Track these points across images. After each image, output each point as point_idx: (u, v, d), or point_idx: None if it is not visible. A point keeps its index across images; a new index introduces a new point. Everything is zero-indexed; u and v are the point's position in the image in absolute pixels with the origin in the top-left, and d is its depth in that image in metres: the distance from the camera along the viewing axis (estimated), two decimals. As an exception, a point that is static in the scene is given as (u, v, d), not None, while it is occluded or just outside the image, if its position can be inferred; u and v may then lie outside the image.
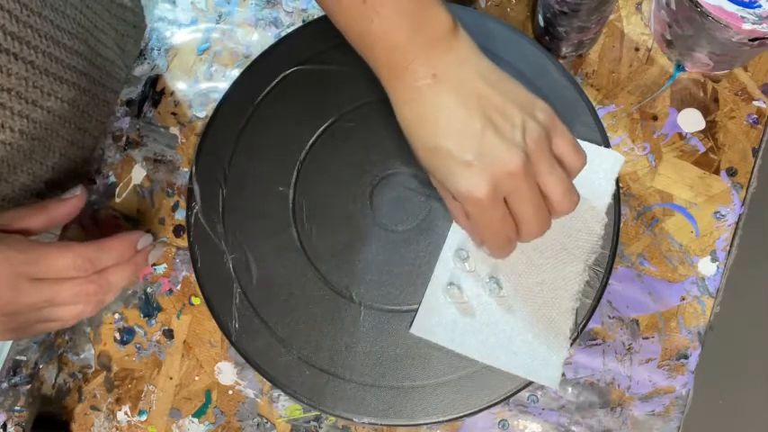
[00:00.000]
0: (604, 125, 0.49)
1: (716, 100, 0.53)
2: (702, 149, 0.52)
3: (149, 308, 0.54)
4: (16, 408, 0.53)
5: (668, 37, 0.52)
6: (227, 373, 0.52)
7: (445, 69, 0.39)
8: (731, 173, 0.52)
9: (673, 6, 0.49)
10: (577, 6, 0.47)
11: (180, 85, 0.57)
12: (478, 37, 0.51)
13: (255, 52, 0.56)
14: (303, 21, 0.57)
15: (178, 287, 0.54)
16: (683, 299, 0.51)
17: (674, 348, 0.50)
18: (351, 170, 0.50)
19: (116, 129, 0.57)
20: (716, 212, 0.51)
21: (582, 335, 0.48)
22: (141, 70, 0.58)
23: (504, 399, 0.46)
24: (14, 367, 0.54)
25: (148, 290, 0.54)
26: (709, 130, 0.53)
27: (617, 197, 0.48)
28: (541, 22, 0.52)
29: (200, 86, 0.57)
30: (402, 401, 0.46)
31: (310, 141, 0.51)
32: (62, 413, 0.53)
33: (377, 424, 0.47)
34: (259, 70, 0.53)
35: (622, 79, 0.54)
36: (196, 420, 0.52)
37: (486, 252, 0.47)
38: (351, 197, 0.50)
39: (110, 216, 0.55)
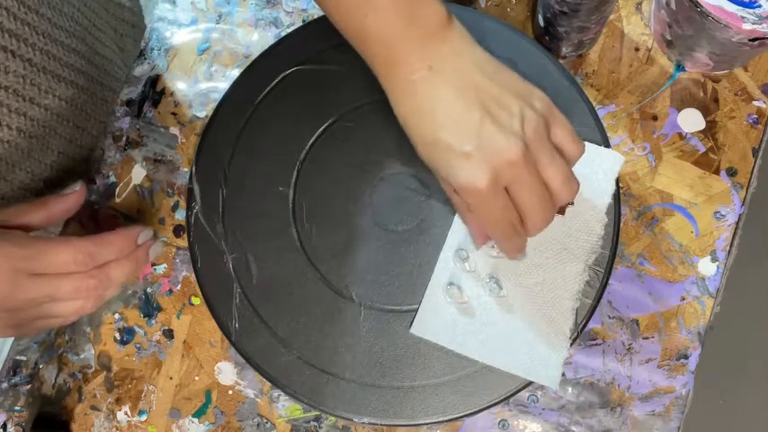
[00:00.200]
0: (604, 125, 0.49)
1: (716, 100, 0.53)
2: (702, 149, 0.52)
3: (149, 308, 0.54)
4: (16, 408, 0.53)
5: (668, 37, 0.52)
6: (227, 373, 0.52)
7: (441, 61, 0.39)
8: (731, 173, 0.52)
9: (673, 6, 0.49)
10: (577, 6, 0.47)
11: (180, 85, 0.57)
12: (479, 37, 0.51)
13: (255, 52, 0.56)
14: (303, 21, 0.57)
15: (178, 287, 0.54)
16: (683, 299, 0.51)
17: (674, 348, 0.50)
18: (351, 170, 0.50)
19: (116, 129, 0.57)
20: (716, 212, 0.51)
21: (582, 335, 0.48)
22: (141, 70, 0.58)
23: (504, 399, 0.46)
24: (14, 367, 0.54)
25: (148, 290, 0.54)
26: (709, 130, 0.53)
27: (617, 197, 0.48)
28: (541, 22, 0.52)
29: (200, 86, 0.57)
30: (402, 401, 0.46)
31: (310, 141, 0.51)
32: (62, 413, 0.53)
33: (377, 424, 0.47)
34: (259, 70, 0.53)
35: (622, 79, 0.54)
36: (196, 420, 0.52)
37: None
38: (351, 197, 0.50)
39: (109, 216, 0.55)
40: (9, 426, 0.53)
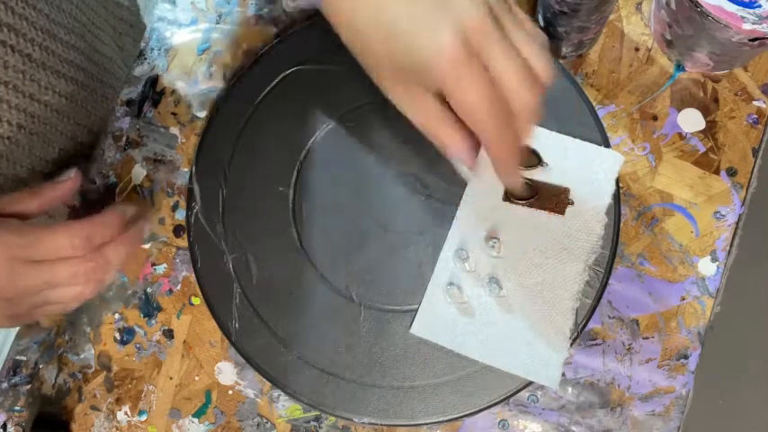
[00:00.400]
0: (604, 125, 0.49)
1: (716, 100, 0.53)
2: (702, 149, 0.52)
3: (149, 308, 0.54)
4: (16, 408, 0.53)
5: (668, 37, 0.52)
6: (227, 373, 0.52)
7: None
8: (731, 173, 0.52)
9: (673, 6, 0.49)
10: (577, 6, 0.47)
11: (180, 85, 0.57)
12: (478, 37, 0.51)
13: (255, 52, 0.56)
14: (303, 21, 0.57)
15: (178, 287, 0.54)
16: (683, 299, 0.51)
17: (674, 348, 0.50)
18: (351, 170, 0.50)
19: (116, 129, 0.57)
20: (716, 212, 0.51)
21: (582, 335, 0.48)
22: (141, 70, 0.58)
23: (504, 399, 0.46)
24: (14, 367, 0.54)
25: (148, 290, 0.54)
26: (709, 130, 0.53)
27: (617, 197, 0.48)
28: (541, 22, 0.52)
29: (200, 86, 0.57)
30: (402, 401, 0.46)
31: (310, 141, 0.51)
32: (62, 413, 0.53)
33: (377, 424, 0.47)
34: (259, 70, 0.53)
35: (622, 79, 0.54)
36: (196, 420, 0.52)
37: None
38: (351, 197, 0.50)
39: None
40: (9, 426, 0.53)
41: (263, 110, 0.52)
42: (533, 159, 0.48)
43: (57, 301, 0.43)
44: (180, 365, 0.53)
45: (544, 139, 0.49)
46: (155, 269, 0.54)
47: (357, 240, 0.49)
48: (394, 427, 0.49)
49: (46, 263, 0.41)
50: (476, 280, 0.47)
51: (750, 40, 0.46)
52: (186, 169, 0.56)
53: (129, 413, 0.53)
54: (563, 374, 0.50)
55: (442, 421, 0.46)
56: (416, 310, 0.47)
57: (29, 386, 0.54)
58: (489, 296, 0.47)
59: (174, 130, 0.57)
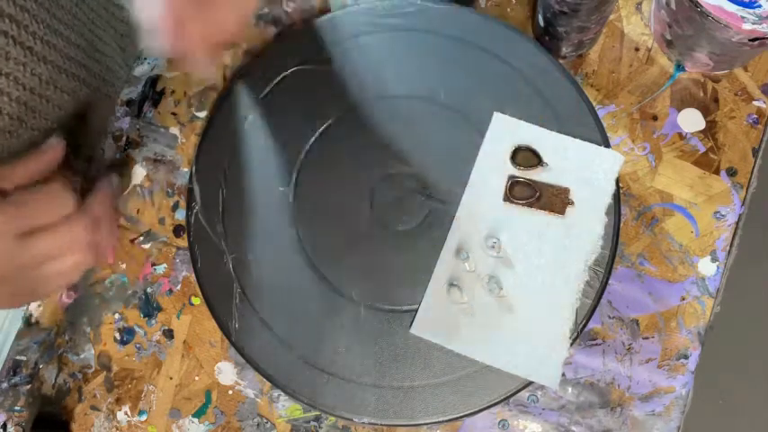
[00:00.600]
0: (604, 125, 0.49)
1: (716, 100, 0.53)
2: (702, 149, 0.52)
3: (149, 308, 0.54)
4: (16, 408, 0.53)
5: (668, 37, 0.52)
6: (227, 373, 0.52)
7: None
8: (731, 173, 0.52)
9: (673, 6, 0.49)
10: (577, 6, 0.47)
11: (180, 85, 0.57)
12: (479, 37, 0.52)
13: (255, 52, 0.56)
14: (303, 21, 0.57)
15: (178, 287, 0.54)
16: (683, 299, 0.51)
17: (674, 348, 0.50)
18: (351, 170, 0.50)
19: (116, 129, 0.57)
20: (716, 212, 0.51)
21: (582, 335, 0.48)
22: (141, 70, 0.58)
23: (504, 399, 0.46)
24: (14, 367, 0.54)
25: (148, 290, 0.54)
26: (709, 130, 0.53)
27: (617, 197, 0.48)
28: (541, 22, 0.52)
29: (200, 86, 0.57)
30: (402, 401, 0.46)
31: (310, 141, 0.51)
32: (62, 413, 0.53)
33: (377, 424, 0.47)
34: (259, 70, 0.53)
35: (622, 79, 0.54)
36: (196, 420, 0.52)
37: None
38: (351, 197, 0.50)
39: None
40: (9, 426, 0.53)
41: (264, 110, 0.52)
42: (533, 159, 0.48)
43: (57, 272, 0.42)
44: (180, 365, 0.53)
45: (544, 139, 0.49)
46: (155, 269, 0.54)
47: (357, 240, 0.49)
48: (394, 427, 0.49)
49: (36, 235, 0.41)
50: (476, 280, 0.47)
51: (750, 40, 0.46)
52: (186, 169, 0.56)
53: (129, 413, 0.53)
54: (563, 374, 0.50)
55: (442, 421, 0.46)
56: (416, 310, 0.47)
57: (29, 386, 0.54)
58: (489, 296, 0.47)
59: (174, 130, 0.57)
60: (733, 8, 0.45)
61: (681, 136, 0.53)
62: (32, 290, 0.42)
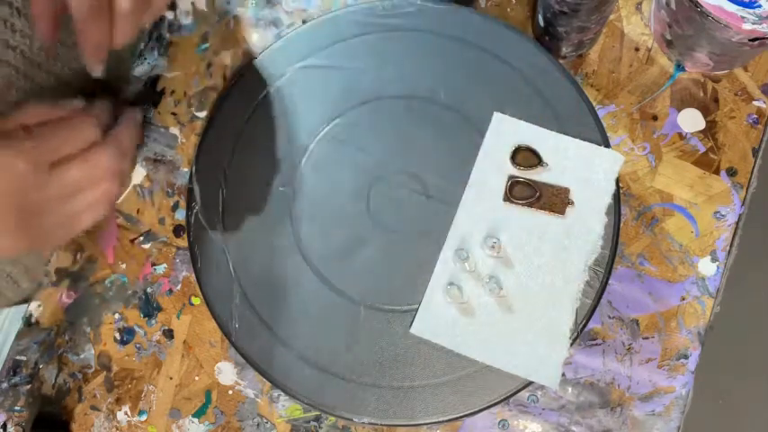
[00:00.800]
0: (604, 125, 0.49)
1: (716, 100, 0.53)
2: (702, 149, 0.52)
3: (149, 308, 0.54)
4: (16, 408, 0.54)
5: (668, 37, 0.52)
6: (227, 373, 0.52)
7: None
8: (731, 173, 0.52)
9: (673, 6, 0.49)
10: (577, 6, 0.47)
11: (180, 85, 0.57)
12: (479, 37, 0.52)
13: (255, 52, 0.56)
14: (303, 21, 0.57)
15: (178, 287, 0.54)
16: (683, 299, 0.51)
17: (674, 348, 0.50)
18: (351, 170, 0.50)
19: (116, 129, 0.57)
20: (716, 212, 0.51)
21: (582, 335, 0.48)
22: (141, 70, 0.58)
23: (504, 399, 0.46)
24: (14, 367, 0.54)
25: (148, 290, 0.54)
26: (709, 130, 0.53)
27: (617, 197, 0.48)
28: (541, 22, 0.52)
29: (200, 86, 0.57)
30: (402, 401, 0.46)
31: (310, 141, 0.51)
32: (62, 413, 0.53)
33: (377, 424, 0.47)
34: (259, 70, 0.53)
35: (622, 79, 0.54)
36: (196, 420, 0.52)
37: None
38: (351, 197, 0.50)
39: (110, 216, 0.55)
40: (9, 426, 0.53)
41: (263, 110, 0.52)
42: (533, 159, 0.48)
43: (87, 206, 0.43)
44: (180, 365, 0.53)
45: (544, 139, 0.49)
46: (155, 269, 0.54)
47: (357, 240, 0.49)
48: (394, 427, 0.49)
49: (64, 164, 0.41)
50: (476, 280, 0.47)
51: (750, 40, 0.46)
52: (186, 169, 0.56)
53: (129, 413, 0.53)
54: (563, 374, 0.50)
55: (442, 421, 0.46)
56: (416, 310, 0.47)
57: (29, 386, 0.54)
58: (489, 296, 0.47)
59: (174, 130, 0.57)
60: (733, 8, 0.45)
61: (681, 136, 0.53)
62: (66, 225, 0.42)
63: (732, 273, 0.52)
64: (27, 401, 0.53)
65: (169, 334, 0.53)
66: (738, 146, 0.52)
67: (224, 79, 0.57)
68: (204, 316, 0.53)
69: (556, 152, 0.48)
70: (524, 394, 0.50)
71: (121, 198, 0.56)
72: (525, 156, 0.49)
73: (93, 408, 0.53)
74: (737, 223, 0.51)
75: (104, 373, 0.53)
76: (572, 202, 0.47)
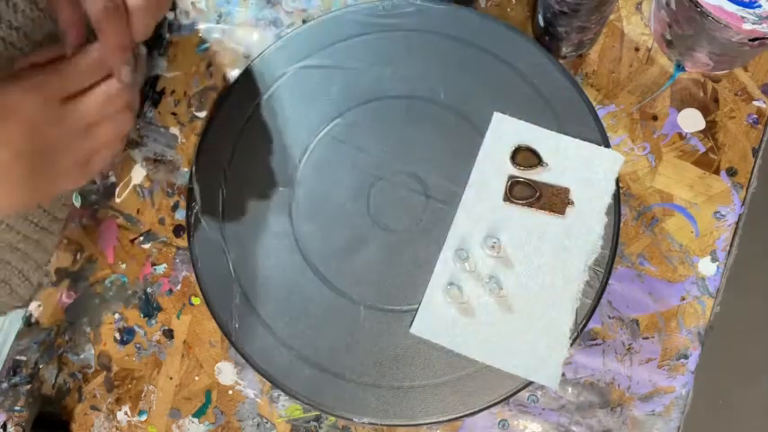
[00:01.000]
0: (604, 125, 0.49)
1: (716, 100, 0.53)
2: (702, 149, 0.52)
3: (149, 308, 0.54)
4: (16, 408, 0.54)
5: (668, 37, 0.52)
6: (227, 373, 0.52)
7: None
8: (731, 173, 0.52)
9: (673, 6, 0.49)
10: (577, 6, 0.47)
11: (180, 85, 0.57)
12: (479, 37, 0.52)
13: (255, 52, 0.56)
14: (303, 21, 0.57)
15: (178, 287, 0.54)
16: (683, 299, 0.51)
17: (674, 348, 0.50)
18: (350, 170, 0.50)
19: (116, 129, 0.57)
20: (716, 212, 0.51)
21: (582, 335, 0.48)
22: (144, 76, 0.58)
23: (504, 399, 0.46)
24: (14, 367, 0.54)
25: (148, 290, 0.54)
26: (709, 130, 0.53)
27: (617, 197, 0.48)
28: (541, 22, 0.52)
29: (200, 86, 0.57)
30: (402, 401, 0.46)
31: (310, 141, 0.51)
32: (62, 413, 0.53)
33: (377, 424, 0.47)
34: (259, 70, 0.53)
35: (622, 79, 0.54)
36: (196, 420, 0.52)
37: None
38: (351, 197, 0.50)
39: (110, 216, 0.55)
40: (9, 426, 0.53)
41: (263, 110, 0.52)
42: (533, 159, 0.48)
43: (104, 142, 0.43)
44: (180, 365, 0.53)
45: (544, 139, 0.49)
46: (155, 269, 0.54)
47: (357, 240, 0.49)
48: (394, 427, 0.49)
49: (77, 98, 0.41)
50: (476, 280, 0.47)
51: (750, 40, 0.46)
52: (186, 169, 0.56)
53: (129, 413, 0.53)
54: (563, 374, 0.50)
55: (442, 421, 0.46)
56: (416, 310, 0.47)
57: (29, 386, 0.54)
58: (489, 296, 0.47)
59: (174, 130, 0.57)
60: (733, 8, 0.45)
61: (681, 136, 0.53)
62: (82, 164, 0.43)
63: (732, 273, 0.52)
64: (27, 401, 0.53)
65: (169, 334, 0.53)
66: (738, 146, 0.52)
67: (224, 79, 0.57)
68: (204, 316, 0.53)
69: (556, 152, 0.48)
70: (524, 394, 0.50)
71: (121, 198, 0.56)
72: (525, 156, 0.49)
73: (93, 408, 0.53)
74: (737, 223, 0.51)
75: (104, 373, 0.53)
76: (572, 202, 0.47)
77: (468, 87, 0.51)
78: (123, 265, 0.55)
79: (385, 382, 0.47)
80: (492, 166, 0.49)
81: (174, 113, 0.57)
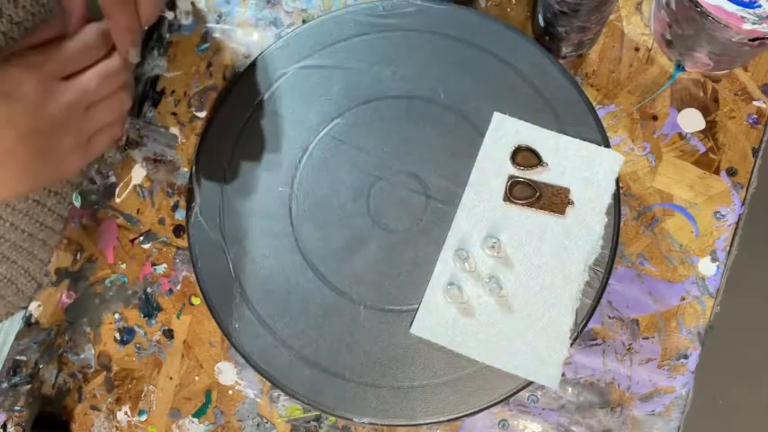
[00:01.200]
0: (604, 125, 0.49)
1: (716, 100, 0.53)
2: (702, 149, 0.52)
3: (149, 308, 0.54)
4: (16, 408, 0.54)
5: (668, 37, 0.52)
6: (227, 373, 0.52)
7: None
8: (731, 173, 0.52)
9: (673, 6, 0.49)
10: (577, 6, 0.47)
11: (180, 85, 0.57)
12: (479, 37, 0.52)
13: (255, 52, 0.56)
14: (303, 21, 0.57)
15: (178, 287, 0.54)
16: (683, 299, 0.51)
17: (674, 348, 0.50)
18: (350, 170, 0.50)
19: (116, 129, 0.57)
20: (716, 212, 0.51)
21: (582, 335, 0.48)
22: (141, 70, 0.58)
23: (504, 399, 0.46)
24: (14, 367, 0.54)
25: (148, 290, 0.54)
26: (709, 130, 0.53)
27: (617, 197, 0.48)
28: (541, 22, 0.52)
29: (200, 86, 0.57)
30: (402, 401, 0.46)
31: (310, 141, 0.51)
32: (62, 413, 0.53)
33: (377, 424, 0.47)
34: (259, 70, 0.53)
35: (622, 79, 0.54)
36: (196, 420, 0.52)
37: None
38: (351, 197, 0.50)
39: (110, 216, 0.55)
40: (9, 426, 0.53)
41: (263, 110, 0.52)
42: (533, 159, 0.48)
43: (103, 121, 0.44)
44: (180, 365, 0.53)
45: (544, 139, 0.49)
46: (155, 269, 0.54)
47: (357, 240, 0.49)
48: (394, 427, 0.49)
49: (77, 75, 0.42)
50: (476, 280, 0.47)
51: (750, 40, 0.46)
52: (186, 169, 0.56)
53: (129, 413, 0.53)
54: (563, 374, 0.50)
55: (442, 421, 0.46)
56: (416, 310, 0.47)
57: (29, 386, 0.54)
58: (489, 296, 0.47)
59: (174, 130, 0.57)
60: (733, 8, 0.45)
61: (681, 136, 0.53)
62: (83, 146, 0.43)
63: (732, 273, 0.52)
64: (27, 401, 0.53)
65: (169, 334, 0.53)
66: (738, 146, 0.52)
67: (224, 79, 0.57)
68: (204, 316, 0.53)
69: (556, 152, 0.48)
70: (524, 394, 0.50)
71: (121, 198, 0.56)
72: (525, 156, 0.49)
73: (93, 408, 0.53)
74: (737, 223, 0.51)
75: (104, 373, 0.53)
76: (572, 202, 0.47)
77: (468, 87, 0.51)
78: (123, 265, 0.55)
79: (385, 382, 0.47)
80: (492, 165, 0.49)
81: (174, 113, 0.57)
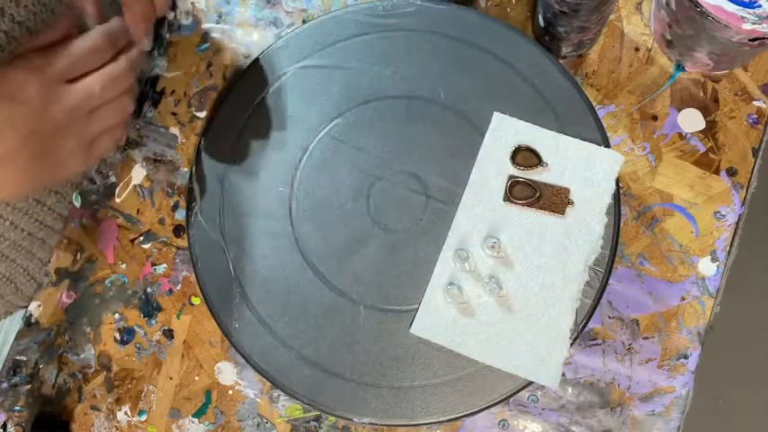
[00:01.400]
0: (604, 125, 0.49)
1: (716, 100, 0.53)
2: (702, 149, 0.52)
3: (149, 308, 0.54)
4: (16, 408, 0.54)
5: (668, 37, 0.52)
6: (227, 373, 0.52)
7: None
8: (731, 173, 0.52)
9: (673, 6, 0.49)
10: (577, 6, 0.47)
11: (180, 85, 0.57)
12: (479, 37, 0.52)
13: (255, 52, 0.56)
14: (303, 21, 0.57)
15: (178, 287, 0.54)
16: (683, 299, 0.51)
17: (674, 348, 0.50)
18: (350, 170, 0.50)
19: (116, 129, 0.57)
20: (716, 212, 0.51)
21: (582, 335, 0.48)
22: (141, 70, 0.58)
23: (504, 399, 0.46)
24: (14, 367, 0.54)
25: (148, 290, 0.54)
26: (709, 130, 0.53)
27: (617, 197, 0.48)
28: (541, 22, 0.52)
29: (200, 86, 0.57)
30: (402, 401, 0.46)
31: (310, 141, 0.51)
32: (62, 413, 0.53)
33: (377, 424, 0.47)
34: (259, 70, 0.53)
35: (622, 79, 0.54)
36: (196, 420, 0.52)
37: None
38: (351, 197, 0.50)
39: (110, 216, 0.55)
40: (9, 426, 0.53)
41: (263, 110, 0.52)
42: (533, 159, 0.48)
43: (106, 124, 0.44)
44: (180, 365, 0.53)
45: (544, 139, 0.49)
46: (155, 269, 0.54)
47: (357, 240, 0.49)
48: (394, 427, 0.49)
49: (81, 79, 0.42)
50: (476, 280, 0.47)
51: (750, 40, 0.46)
52: (186, 169, 0.56)
53: (129, 413, 0.53)
54: (563, 374, 0.50)
55: (442, 421, 0.46)
56: (416, 310, 0.47)
57: (29, 386, 0.54)
58: (489, 296, 0.47)
59: (174, 130, 0.57)
60: (733, 8, 0.45)
61: (681, 136, 0.53)
62: (84, 149, 0.43)
63: (732, 273, 0.52)
64: (27, 401, 0.53)
65: (169, 334, 0.53)
66: (738, 146, 0.52)
67: (224, 79, 0.57)
68: (204, 316, 0.53)
69: (556, 152, 0.48)
70: (524, 394, 0.50)
71: (121, 198, 0.56)
72: (525, 156, 0.49)
73: (93, 408, 0.53)
74: (737, 223, 0.51)
75: (104, 373, 0.53)
76: (572, 202, 0.47)
77: (468, 87, 0.51)
78: (123, 265, 0.55)
79: (385, 382, 0.47)
80: (492, 165, 0.49)
81: (174, 113, 0.57)
